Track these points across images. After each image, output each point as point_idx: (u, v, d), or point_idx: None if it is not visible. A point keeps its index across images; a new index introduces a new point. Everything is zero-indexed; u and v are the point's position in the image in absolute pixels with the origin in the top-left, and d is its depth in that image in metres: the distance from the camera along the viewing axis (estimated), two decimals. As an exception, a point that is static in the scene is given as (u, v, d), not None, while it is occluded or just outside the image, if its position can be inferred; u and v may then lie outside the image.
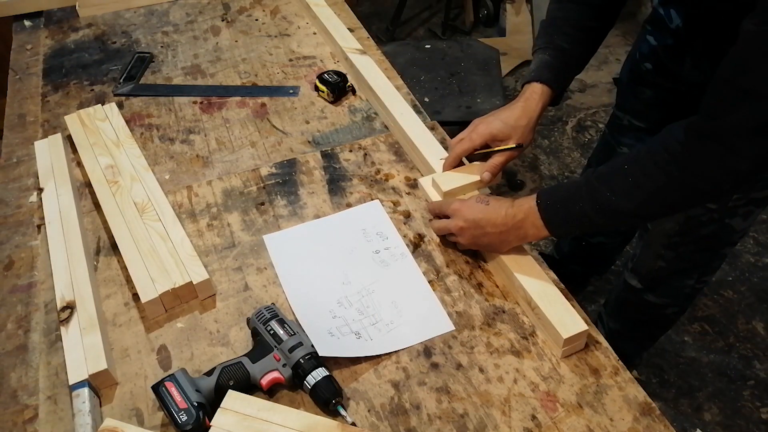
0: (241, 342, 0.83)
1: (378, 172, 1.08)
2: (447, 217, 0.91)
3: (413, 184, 1.05)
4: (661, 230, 1.18)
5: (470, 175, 0.99)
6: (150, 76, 1.32)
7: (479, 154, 0.98)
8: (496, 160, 0.97)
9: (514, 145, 0.95)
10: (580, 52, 1.00)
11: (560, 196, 0.82)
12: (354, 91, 1.25)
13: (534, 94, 0.97)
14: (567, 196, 0.81)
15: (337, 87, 1.22)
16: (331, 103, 1.23)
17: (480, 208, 0.87)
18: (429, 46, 2.02)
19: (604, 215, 0.79)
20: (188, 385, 0.73)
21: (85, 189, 1.06)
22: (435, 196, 0.99)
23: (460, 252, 0.94)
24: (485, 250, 0.91)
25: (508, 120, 0.95)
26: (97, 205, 1.02)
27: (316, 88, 1.24)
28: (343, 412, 0.74)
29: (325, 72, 1.24)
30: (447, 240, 0.94)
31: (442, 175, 0.99)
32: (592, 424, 0.74)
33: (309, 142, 1.15)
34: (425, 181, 1.01)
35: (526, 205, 0.83)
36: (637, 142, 1.28)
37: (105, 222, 0.98)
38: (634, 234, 1.34)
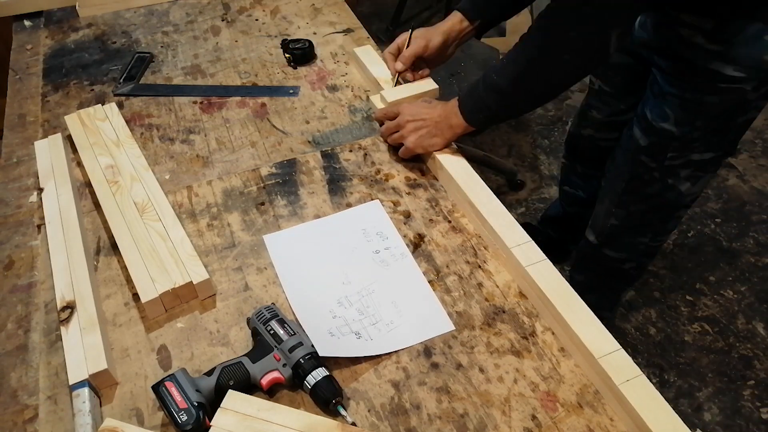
0: (241, 342, 0.83)
1: (378, 172, 1.08)
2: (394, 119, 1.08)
3: (413, 184, 1.05)
4: (611, 189, 1.31)
5: (412, 89, 1.18)
6: (150, 76, 1.32)
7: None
8: (425, 71, 1.21)
9: (427, 72, 1.21)
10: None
11: (469, 88, 1.00)
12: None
13: (453, 19, 1.18)
14: (473, 86, 0.99)
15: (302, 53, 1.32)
16: (294, 68, 1.32)
17: (423, 104, 1.07)
18: (429, 46, 2.02)
19: (492, 96, 0.95)
20: (188, 385, 0.73)
21: (85, 189, 1.06)
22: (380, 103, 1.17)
23: (403, 160, 1.08)
24: (425, 142, 1.04)
25: (427, 33, 1.17)
26: (97, 205, 1.02)
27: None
28: (343, 412, 0.74)
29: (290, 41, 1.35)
30: (393, 147, 1.09)
31: (390, 92, 1.17)
32: (592, 424, 0.74)
33: (309, 142, 1.15)
34: (375, 98, 1.20)
35: (454, 101, 1.02)
36: (605, 107, 1.40)
37: (105, 222, 0.98)
38: None
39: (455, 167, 1.03)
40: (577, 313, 0.81)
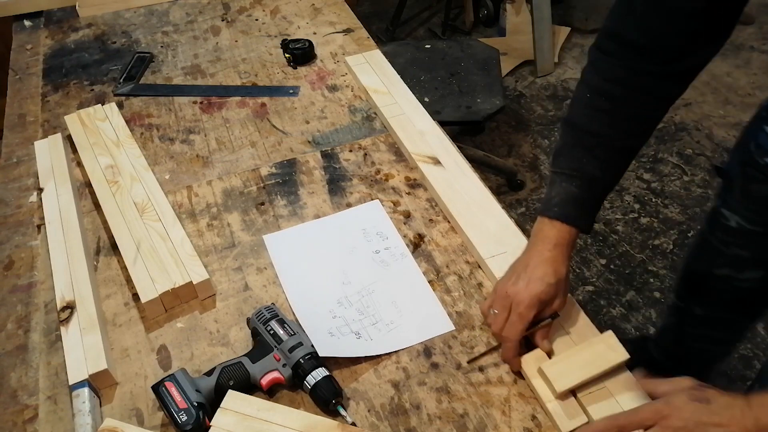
0: (241, 342, 0.83)
1: (378, 172, 1.08)
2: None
3: (413, 184, 1.05)
4: None
5: (586, 361, 0.75)
6: (150, 76, 1.32)
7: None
8: (549, 327, 0.80)
9: (557, 314, 0.79)
10: (612, 177, 0.81)
11: None
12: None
13: (561, 238, 0.79)
14: None
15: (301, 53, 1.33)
16: (294, 67, 1.32)
17: (702, 407, 0.62)
18: (429, 46, 2.02)
19: None
20: (188, 385, 0.73)
21: (85, 189, 1.06)
22: (549, 396, 0.74)
23: None
24: None
25: (547, 277, 0.77)
26: (97, 205, 1.02)
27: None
28: (343, 412, 0.74)
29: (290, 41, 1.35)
30: None
31: (555, 370, 0.74)
32: (592, 424, 0.74)
33: (309, 142, 1.15)
34: (537, 382, 0.76)
35: (758, 398, 0.60)
36: (753, 246, 1.08)
37: (105, 222, 0.98)
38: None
39: (435, 177, 1.03)
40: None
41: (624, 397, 0.73)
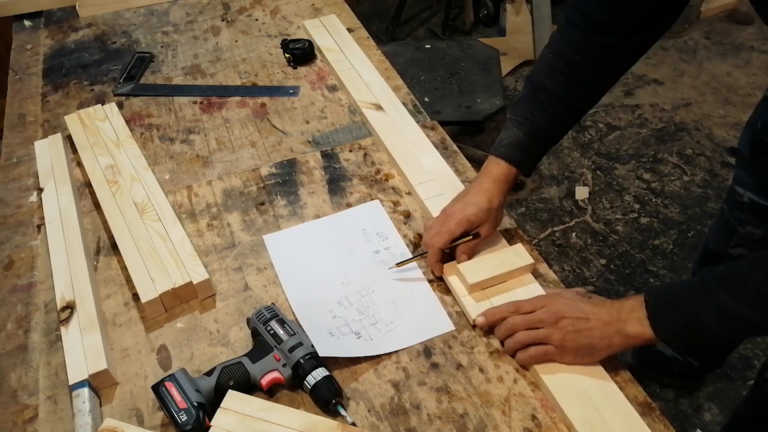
0: (241, 342, 0.83)
1: (378, 172, 1.08)
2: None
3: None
4: None
5: (497, 261, 0.88)
6: (150, 76, 1.32)
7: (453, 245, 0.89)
8: (471, 244, 0.90)
9: (478, 234, 0.89)
10: (557, 131, 0.93)
11: (670, 293, 0.73)
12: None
13: (502, 174, 0.91)
14: (677, 295, 0.72)
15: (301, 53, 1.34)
16: (293, 67, 1.34)
17: (583, 299, 0.79)
18: (429, 46, 2.02)
19: (718, 321, 0.68)
20: (188, 385, 0.73)
21: (85, 189, 1.06)
22: (463, 291, 0.87)
23: (522, 367, 0.79)
24: (578, 352, 0.76)
25: (481, 203, 0.89)
26: (97, 205, 1.02)
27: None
28: (343, 412, 0.74)
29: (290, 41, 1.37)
30: (512, 347, 0.80)
31: (469, 268, 0.87)
32: (592, 424, 0.74)
33: (309, 142, 1.15)
34: (453, 279, 0.88)
35: (632, 301, 0.75)
36: (764, 224, 1.13)
37: (105, 222, 0.98)
38: None
39: (377, 120, 1.13)
40: None
41: (526, 295, 0.85)
